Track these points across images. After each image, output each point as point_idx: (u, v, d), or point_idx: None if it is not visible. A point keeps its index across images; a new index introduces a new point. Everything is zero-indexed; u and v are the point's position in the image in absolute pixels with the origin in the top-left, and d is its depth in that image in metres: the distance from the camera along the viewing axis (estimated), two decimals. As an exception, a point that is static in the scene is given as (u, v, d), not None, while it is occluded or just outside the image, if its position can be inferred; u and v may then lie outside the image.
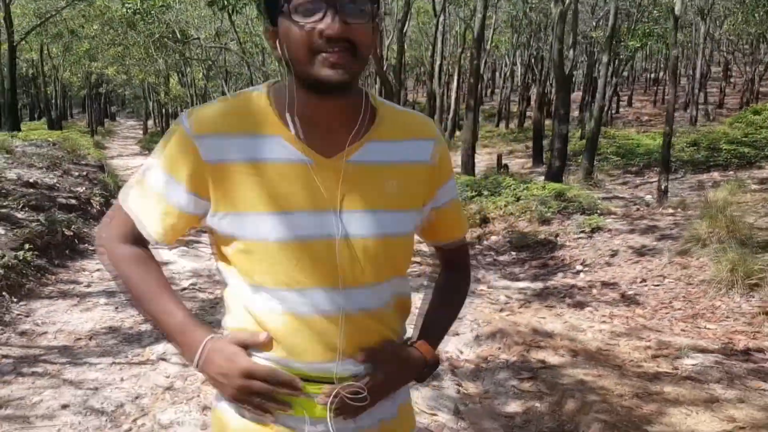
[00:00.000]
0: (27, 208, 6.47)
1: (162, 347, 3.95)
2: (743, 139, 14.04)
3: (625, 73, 34.86)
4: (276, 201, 0.97)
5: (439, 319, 1.21)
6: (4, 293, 4.52)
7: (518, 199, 9.29)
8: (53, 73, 27.41)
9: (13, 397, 3.19)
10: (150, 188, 1.03)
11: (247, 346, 1.01)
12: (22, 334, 4.13)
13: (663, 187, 9.21)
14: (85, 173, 10.10)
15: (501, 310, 5.14)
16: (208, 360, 0.99)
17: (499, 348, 4.30)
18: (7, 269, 4.83)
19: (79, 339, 4.10)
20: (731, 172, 12.92)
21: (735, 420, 3.32)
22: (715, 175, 12.92)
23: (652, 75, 34.29)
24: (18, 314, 4.43)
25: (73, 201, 7.66)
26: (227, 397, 1.03)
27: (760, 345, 4.46)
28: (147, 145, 24.75)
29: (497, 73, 35.56)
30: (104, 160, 13.67)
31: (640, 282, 6.12)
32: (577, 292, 5.88)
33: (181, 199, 1.01)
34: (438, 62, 19.31)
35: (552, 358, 3.99)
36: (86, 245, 6.65)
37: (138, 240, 1.07)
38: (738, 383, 3.83)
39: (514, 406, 3.42)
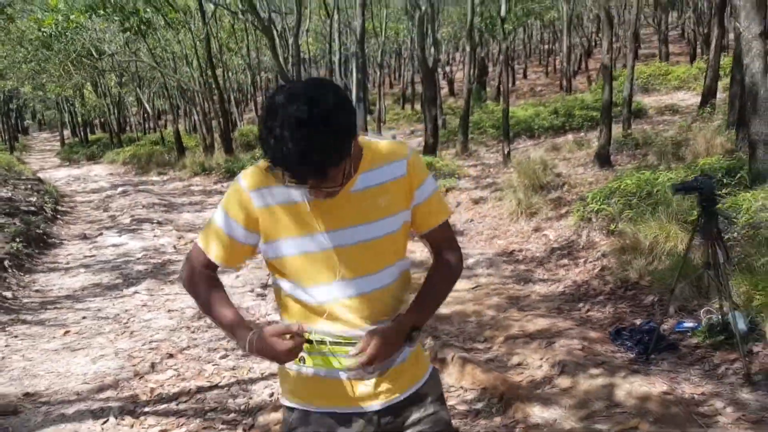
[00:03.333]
0: (3, 215, 8.49)
1: (135, 288, 6.23)
2: (594, 104, 17.19)
3: (520, 47, 38.24)
4: (302, 228, 1.44)
5: (429, 293, 1.55)
6: (14, 269, 6.68)
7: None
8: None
9: (48, 319, 5.44)
10: (217, 228, 1.48)
11: (284, 333, 1.40)
12: (36, 291, 6.33)
13: (506, 151, 12.05)
14: (30, 186, 11.96)
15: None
16: (254, 347, 1.41)
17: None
18: (11, 255, 6.96)
19: (76, 291, 6.33)
20: (583, 134, 16.04)
21: (479, 282, 6.00)
22: (570, 137, 15.98)
23: (547, 46, 37.54)
24: (27, 282, 6.61)
25: (32, 208, 9.66)
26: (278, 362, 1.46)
27: (522, 248, 7.23)
28: (67, 156, 25.84)
29: (402, 57, 38.15)
30: (38, 174, 15.33)
31: (470, 221, 8.84)
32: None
33: (239, 234, 1.47)
34: (337, 56, 21.75)
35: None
36: (53, 239, 8.73)
37: (210, 266, 1.52)
38: (493, 267, 6.55)
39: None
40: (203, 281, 1.52)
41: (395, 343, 1.45)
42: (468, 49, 15.16)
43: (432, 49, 17.85)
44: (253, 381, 3.91)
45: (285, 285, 1.51)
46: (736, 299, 3.94)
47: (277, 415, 3.31)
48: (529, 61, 37.78)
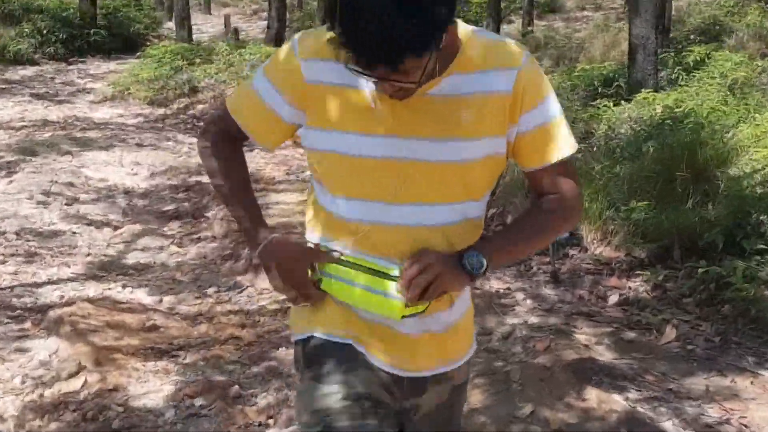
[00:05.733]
0: None
1: None
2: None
3: None
4: (356, 123, 1.54)
5: (509, 231, 1.76)
6: None
7: (231, 65, 12.81)
8: None
9: None
10: (257, 96, 1.64)
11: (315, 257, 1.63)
12: None
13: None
14: None
15: (180, 157, 8.74)
16: (270, 255, 1.64)
17: (168, 178, 7.91)
18: None
19: None
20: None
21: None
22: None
23: None
24: None
25: None
26: (274, 285, 1.66)
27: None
28: None
29: None
30: None
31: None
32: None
33: (282, 109, 1.61)
34: None
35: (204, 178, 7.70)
36: None
37: (237, 140, 1.73)
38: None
39: (169, 206, 7.02)
40: (228, 153, 1.75)
41: (455, 270, 1.55)
42: None
43: None
44: (38, 285, 4.97)
45: (317, 187, 1.67)
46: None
47: (70, 309, 4.44)
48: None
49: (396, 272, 1.54)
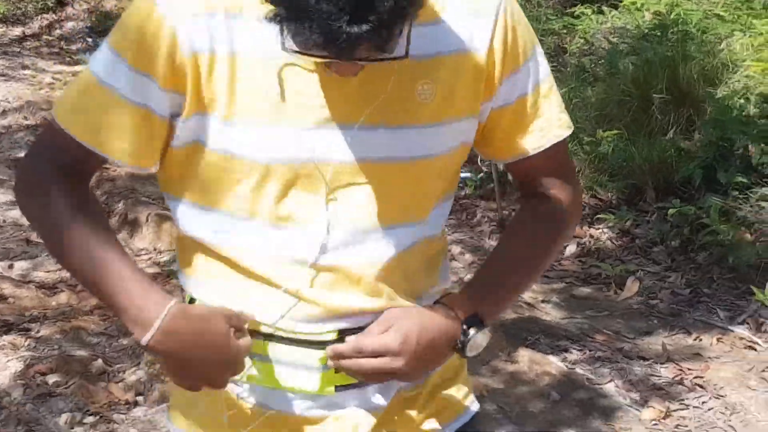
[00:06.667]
0: None
1: None
2: None
3: None
4: (266, 110, 1.34)
5: (499, 263, 1.57)
6: None
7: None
8: None
9: None
10: (109, 92, 1.36)
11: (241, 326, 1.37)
12: None
13: None
14: None
15: (41, 89, 9.01)
16: (175, 329, 1.32)
17: (25, 117, 8.19)
18: None
19: None
20: None
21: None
22: None
23: None
24: None
25: None
26: (184, 387, 1.41)
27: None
28: None
29: None
30: None
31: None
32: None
33: (152, 97, 1.35)
34: None
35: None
36: None
37: (81, 173, 1.45)
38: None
39: (24, 152, 7.32)
40: (77, 210, 1.40)
41: (435, 343, 1.40)
42: None
43: None
44: None
45: (198, 221, 1.45)
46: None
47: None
48: None
49: (333, 336, 1.39)
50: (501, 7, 1.41)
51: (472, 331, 1.42)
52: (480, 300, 1.47)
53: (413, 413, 1.51)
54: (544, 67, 1.50)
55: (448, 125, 1.42)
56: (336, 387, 1.42)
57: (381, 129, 1.37)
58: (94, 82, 1.38)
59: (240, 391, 1.47)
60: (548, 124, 1.51)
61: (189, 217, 1.46)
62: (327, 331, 1.40)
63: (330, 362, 1.38)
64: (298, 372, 1.42)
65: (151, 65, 1.34)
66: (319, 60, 1.24)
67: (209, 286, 1.47)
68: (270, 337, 1.42)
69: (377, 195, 1.40)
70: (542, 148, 1.51)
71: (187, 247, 1.50)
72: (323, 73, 1.33)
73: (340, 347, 1.38)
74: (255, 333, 1.41)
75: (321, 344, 1.40)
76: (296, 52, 1.22)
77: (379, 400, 1.47)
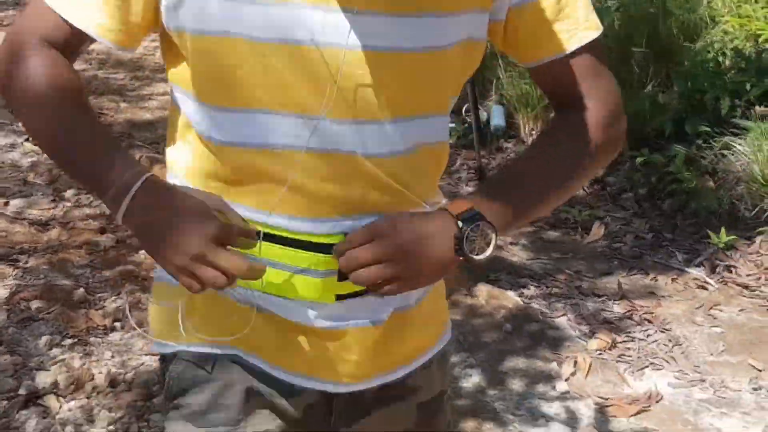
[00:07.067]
0: None
1: None
2: None
3: None
4: None
5: (517, 169, 1.52)
6: None
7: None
8: None
9: None
10: None
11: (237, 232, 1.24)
12: None
13: None
14: None
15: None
16: (149, 203, 1.23)
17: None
18: None
19: None
20: None
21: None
22: None
23: None
24: None
25: None
26: (170, 268, 1.23)
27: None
28: None
29: None
30: None
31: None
32: None
33: None
34: None
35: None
36: None
37: (63, 49, 1.36)
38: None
39: None
40: (48, 66, 1.34)
41: (432, 245, 1.30)
42: None
43: None
44: None
45: (188, 104, 1.39)
46: (510, 92, 6.09)
47: None
48: None
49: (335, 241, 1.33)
50: None
51: (467, 226, 1.28)
52: (479, 202, 1.34)
53: (406, 333, 1.47)
54: None
55: (460, 15, 1.33)
56: (336, 296, 1.36)
57: (393, 16, 1.28)
58: None
59: (237, 295, 1.39)
60: (574, 26, 1.39)
61: (188, 111, 1.40)
62: (332, 234, 1.32)
63: (335, 255, 1.30)
64: (297, 277, 1.35)
65: None
66: None
67: (198, 176, 1.41)
68: (267, 237, 1.33)
69: (383, 85, 1.30)
70: (568, 51, 1.40)
71: (182, 144, 1.44)
72: None
73: (343, 246, 1.29)
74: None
75: (323, 247, 1.32)
76: None
77: (376, 316, 1.41)
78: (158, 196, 1.25)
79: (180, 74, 1.38)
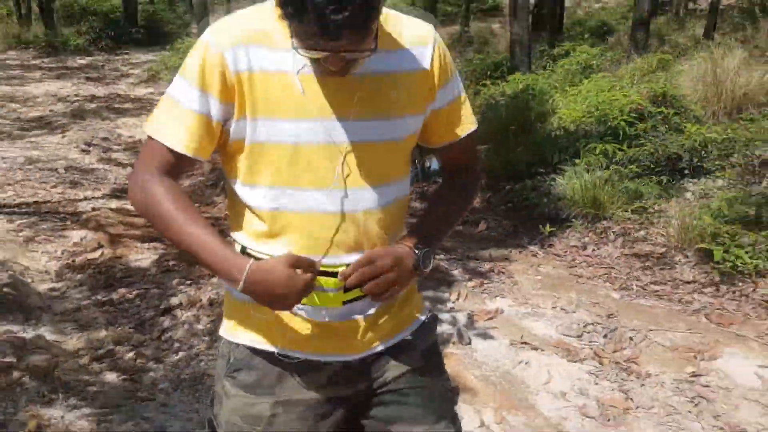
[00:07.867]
0: None
1: None
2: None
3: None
4: (289, 109, 1.23)
5: (433, 217, 1.43)
6: None
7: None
8: None
9: None
10: (181, 107, 1.25)
11: (299, 265, 1.21)
12: None
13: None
14: None
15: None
16: (253, 279, 1.20)
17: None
18: None
19: None
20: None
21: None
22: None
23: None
24: None
25: None
26: (276, 308, 1.27)
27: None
28: None
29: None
30: None
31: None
32: None
33: (214, 108, 1.24)
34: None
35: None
36: None
37: (174, 167, 1.29)
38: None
39: None
40: (168, 194, 1.26)
41: (402, 267, 1.29)
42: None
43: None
44: (77, 201, 5.92)
45: (241, 189, 1.32)
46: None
47: (96, 213, 5.39)
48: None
49: (343, 268, 1.30)
50: (436, 39, 1.35)
51: (425, 254, 1.34)
52: (421, 239, 1.37)
53: (387, 319, 1.41)
54: (460, 83, 1.43)
55: (410, 118, 1.35)
56: (343, 302, 1.34)
57: (373, 121, 1.29)
58: (172, 102, 1.29)
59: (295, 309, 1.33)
60: (464, 122, 1.43)
61: (243, 191, 1.33)
62: (341, 264, 1.31)
63: (341, 278, 1.28)
64: (317, 293, 1.31)
65: (211, 85, 1.25)
66: (316, 56, 1.15)
67: (253, 241, 1.36)
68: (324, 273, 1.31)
69: (378, 164, 1.32)
70: (462, 136, 1.44)
71: (239, 213, 1.37)
72: (321, 80, 1.25)
73: (348, 270, 1.28)
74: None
75: (334, 274, 1.29)
76: (301, 48, 1.15)
77: (367, 311, 1.38)
78: (258, 272, 1.22)
79: (232, 167, 1.34)
